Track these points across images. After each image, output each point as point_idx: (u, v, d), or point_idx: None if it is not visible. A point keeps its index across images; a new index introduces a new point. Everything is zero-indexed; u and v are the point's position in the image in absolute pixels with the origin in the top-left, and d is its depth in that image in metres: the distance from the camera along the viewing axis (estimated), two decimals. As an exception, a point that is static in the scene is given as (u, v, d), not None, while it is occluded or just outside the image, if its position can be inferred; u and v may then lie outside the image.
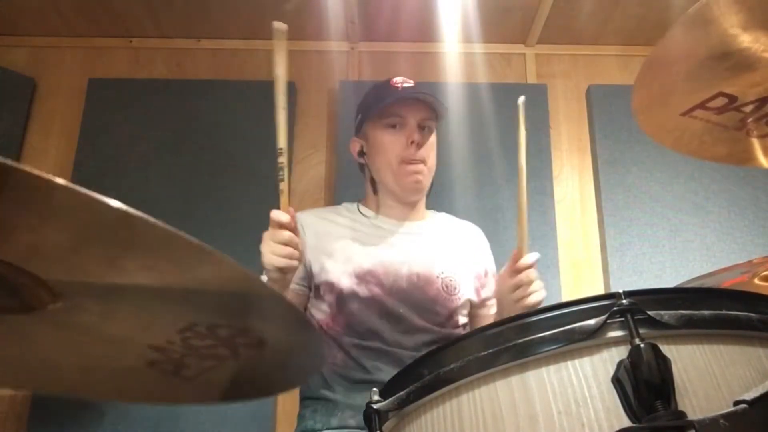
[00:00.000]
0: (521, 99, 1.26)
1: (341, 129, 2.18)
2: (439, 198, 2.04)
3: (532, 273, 1.20)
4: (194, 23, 2.26)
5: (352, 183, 1.98)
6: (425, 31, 2.25)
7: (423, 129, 1.41)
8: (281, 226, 1.13)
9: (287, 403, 1.86)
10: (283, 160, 1.20)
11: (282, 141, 1.20)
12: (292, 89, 2.26)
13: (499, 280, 1.29)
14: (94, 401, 1.87)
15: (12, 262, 0.53)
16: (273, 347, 0.72)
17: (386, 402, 0.69)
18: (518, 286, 1.20)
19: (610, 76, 2.35)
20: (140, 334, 0.66)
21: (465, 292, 1.36)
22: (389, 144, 1.38)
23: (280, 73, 1.27)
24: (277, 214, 1.14)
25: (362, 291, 1.30)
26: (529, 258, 1.20)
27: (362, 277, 1.31)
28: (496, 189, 2.14)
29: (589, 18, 2.23)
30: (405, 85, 1.42)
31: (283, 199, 1.17)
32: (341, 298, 1.30)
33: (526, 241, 1.22)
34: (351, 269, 1.32)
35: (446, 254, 1.39)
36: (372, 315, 1.29)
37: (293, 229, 1.15)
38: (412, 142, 1.37)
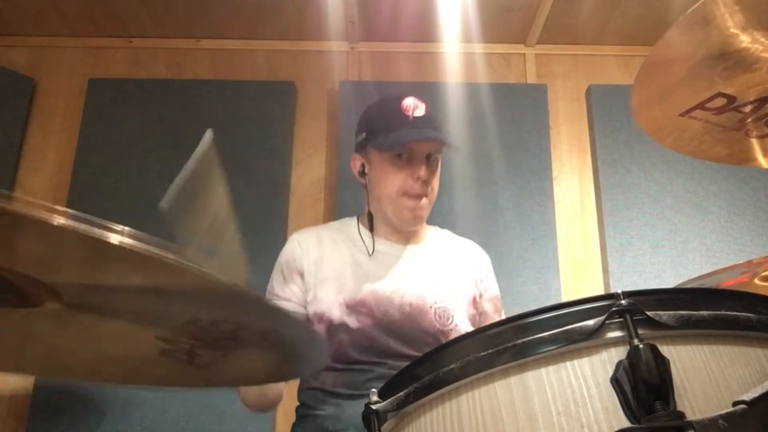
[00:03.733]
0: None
1: (341, 129, 2.18)
2: (438, 198, 2.04)
3: None
4: (194, 23, 2.27)
5: (352, 183, 1.97)
6: (425, 31, 2.25)
7: (429, 159, 1.35)
8: None
9: (287, 403, 1.86)
10: None
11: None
12: (292, 89, 2.26)
13: None
14: (97, 398, 1.87)
15: (10, 267, 0.54)
16: (277, 339, 0.73)
17: (385, 403, 0.69)
18: None
19: (610, 76, 2.35)
20: (145, 330, 0.67)
21: (459, 322, 1.32)
22: (393, 175, 1.33)
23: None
24: None
25: (352, 322, 1.27)
26: None
27: (353, 308, 1.28)
28: (496, 189, 2.14)
29: (589, 18, 2.23)
30: (416, 112, 1.33)
31: None
32: (331, 329, 1.28)
33: None
34: (342, 299, 1.29)
35: (440, 282, 1.36)
36: (360, 347, 1.27)
37: None
38: (418, 178, 1.32)
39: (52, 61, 2.31)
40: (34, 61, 2.30)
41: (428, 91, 2.20)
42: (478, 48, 2.31)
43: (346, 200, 2.04)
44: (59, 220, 0.44)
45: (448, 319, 1.31)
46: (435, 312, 1.30)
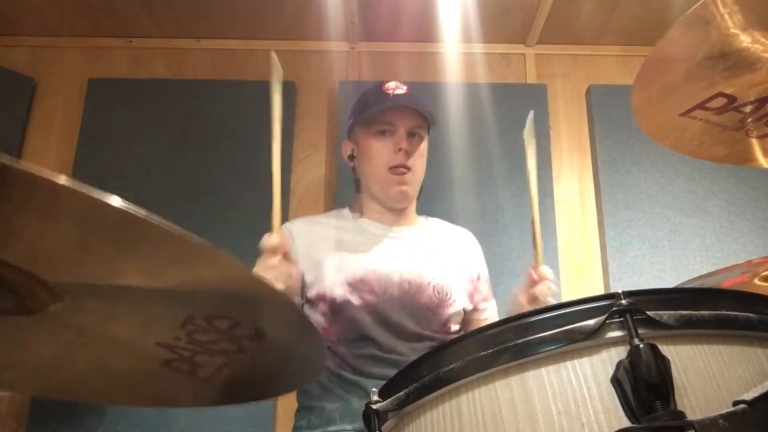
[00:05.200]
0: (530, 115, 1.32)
1: (341, 129, 2.18)
2: (438, 198, 2.04)
3: (552, 285, 1.25)
4: (194, 23, 2.27)
5: (352, 183, 1.97)
6: (425, 31, 2.25)
7: (413, 136, 1.40)
8: (273, 251, 1.13)
9: (287, 403, 1.86)
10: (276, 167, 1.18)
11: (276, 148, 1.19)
12: (292, 89, 2.26)
13: (516, 297, 1.31)
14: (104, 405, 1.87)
15: (11, 263, 0.53)
16: (273, 340, 0.73)
17: (385, 402, 0.69)
18: (535, 298, 1.25)
19: (610, 76, 2.35)
20: (144, 333, 0.67)
21: (457, 298, 1.36)
22: (377, 151, 1.39)
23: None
24: (267, 239, 1.15)
25: (355, 299, 1.30)
26: (547, 270, 1.26)
27: (355, 286, 1.31)
28: (496, 189, 2.14)
29: (589, 18, 2.23)
30: (397, 91, 1.40)
31: (275, 220, 1.17)
32: (335, 307, 1.30)
33: (541, 254, 1.28)
34: (343, 278, 1.32)
35: (437, 260, 1.39)
36: (366, 322, 1.29)
37: (286, 253, 1.15)
38: (400, 150, 1.36)
39: (52, 61, 2.31)
40: (34, 61, 2.29)
41: (428, 91, 2.20)
42: (478, 48, 2.30)
43: (346, 200, 2.03)
44: (62, 181, 0.44)
45: (446, 294, 1.35)
46: (433, 288, 1.34)
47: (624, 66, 2.35)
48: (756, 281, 1.04)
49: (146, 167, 2.13)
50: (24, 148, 2.19)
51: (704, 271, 1.23)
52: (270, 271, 1.12)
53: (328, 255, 1.35)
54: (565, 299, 0.94)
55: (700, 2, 0.83)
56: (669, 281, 2.00)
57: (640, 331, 0.57)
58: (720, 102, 0.96)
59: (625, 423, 0.54)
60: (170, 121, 2.19)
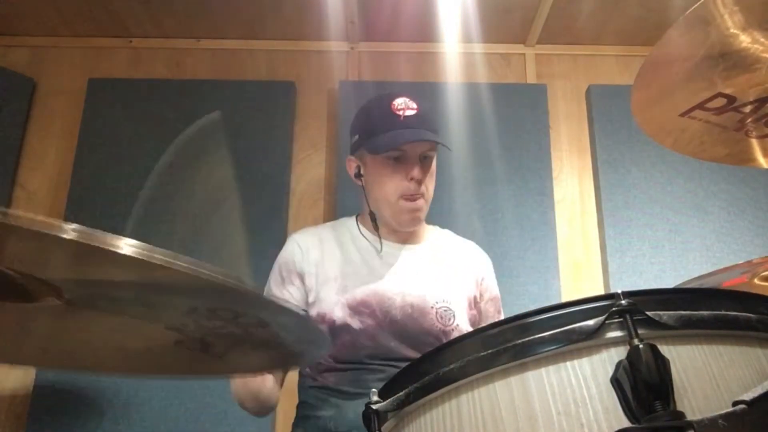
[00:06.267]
0: None
1: (341, 129, 2.18)
2: (438, 199, 2.04)
3: None
4: (194, 23, 2.27)
5: (352, 183, 1.98)
6: (425, 31, 2.25)
7: (424, 159, 1.34)
8: None
9: (287, 403, 1.86)
10: None
11: None
12: (292, 89, 2.26)
13: None
14: (97, 398, 1.87)
15: (8, 266, 0.54)
16: (277, 327, 0.74)
17: (385, 403, 0.69)
18: None
19: (610, 76, 2.35)
20: (152, 321, 0.67)
21: (460, 322, 1.32)
22: (388, 178, 1.33)
23: None
24: None
25: (355, 323, 1.27)
26: None
27: (355, 309, 1.28)
28: (496, 189, 2.14)
29: (589, 18, 2.23)
30: (407, 112, 1.31)
31: None
32: (333, 330, 1.28)
33: None
34: (344, 300, 1.29)
35: (442, 282, 1.35)
36: (363, 348, 1.27)
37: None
38: (412, 179, 1.31)
39: (52, 61, 2.31)
40: (34, 61, 2.29)
41: (428, 91, 2.20)
42: (478, 48, 2.31)
43: (346, 200, 2.03)
44: (62, 233, 0.45)
45: (449, 319, 1.30)
46: (436, 312, 1.30)
47: (624, 66, 2.36)
48: (756, 281, 1.04)
49: (146, 167, 2.13)
50: (24, 148, 2.19)
51: (704, 271, 1.23)
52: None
53: (331, 274, 1.33)
54: (564, 299, 0.94)
55: (699, 2, 0.83)
56: (669, 281, 2.00)
57: (639, 331, 0.57)
58: (720, 102, 0.96)
59: (625, 423, 0.54)
60: (170, 121, 2.19)
